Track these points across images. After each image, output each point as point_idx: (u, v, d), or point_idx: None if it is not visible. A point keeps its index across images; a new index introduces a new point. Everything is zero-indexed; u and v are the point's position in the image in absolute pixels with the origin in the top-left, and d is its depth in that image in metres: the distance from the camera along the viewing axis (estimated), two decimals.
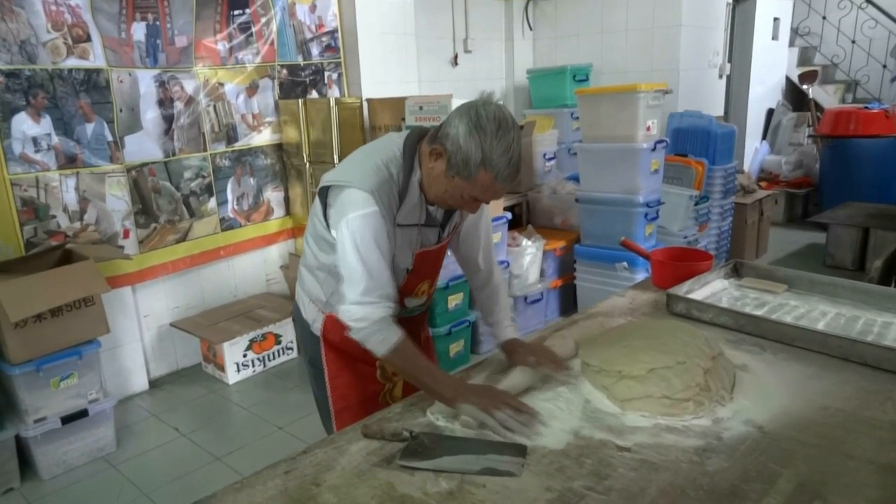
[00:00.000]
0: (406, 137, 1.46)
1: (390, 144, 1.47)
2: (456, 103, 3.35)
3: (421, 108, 3.54)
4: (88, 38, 3.08)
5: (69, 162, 3.09)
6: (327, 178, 1.47)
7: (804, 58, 7.56)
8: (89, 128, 3.14)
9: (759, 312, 1.78)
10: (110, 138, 3.22)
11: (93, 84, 3.12)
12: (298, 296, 1.71)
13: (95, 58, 3.12)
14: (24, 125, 2.93)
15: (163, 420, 3.19)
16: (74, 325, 2.71)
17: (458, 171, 1.33)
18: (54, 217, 3.07)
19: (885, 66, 6.99)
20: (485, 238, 1.69)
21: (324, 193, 1.47)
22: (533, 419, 1.30)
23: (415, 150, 1.44)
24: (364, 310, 1.38)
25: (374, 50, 4.26)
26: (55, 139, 3.03)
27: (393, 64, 4.38)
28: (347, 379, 1.67)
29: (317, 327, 1.65)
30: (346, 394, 1.67)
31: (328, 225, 1.46)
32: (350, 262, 1.38)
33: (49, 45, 2.96)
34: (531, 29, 5.79)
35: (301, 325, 1.71)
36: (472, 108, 1.33)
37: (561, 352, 1.59)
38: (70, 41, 3.02)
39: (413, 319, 1.70)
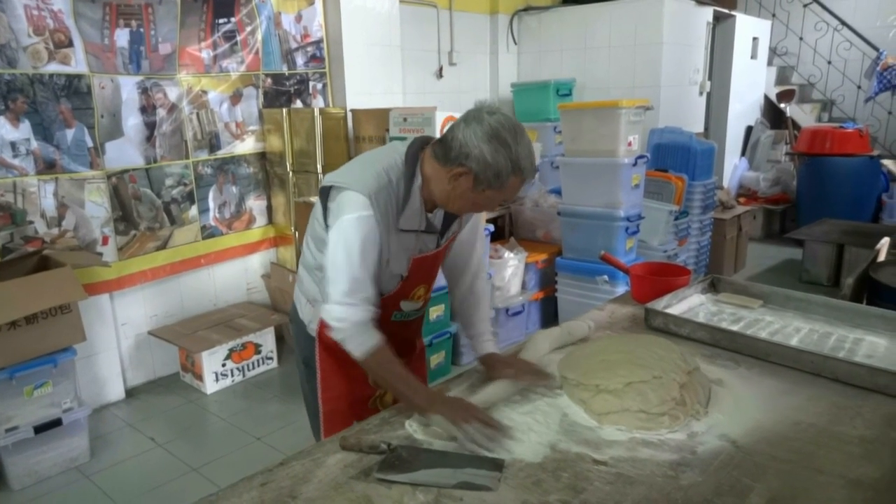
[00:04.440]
0: (409, 146, 1.50)
1: (392, 153, 1.51)
2: (440, 116, 3.39)
3: (405, 119, 3.55)
4: (70, 44, 3.06)
5: (48, 167, 3.05)
6: (329, 179, 1.51)
7: (782, 77, 7.72)
8: (69, 133, 3.11)
9: (734, 328, 1.81)
10: (91, 144, 3.19)
11: (74, 89, 3.10)
12: (296, 296, 1.74)
13: (77, 63, 3.09)
14: (3, 129, 2.90)
15: (139, 430, 3.15)
16: (50, 333, 2.67)
17: (489, 184, 1.39)
18: (31, 223, 3.03)
19: (859, 87, 7.16)
20: (479, 246, 1.74)
21: (325, 193, 1.50)
22: (499, 434, 1.30)
23: (416, 159, 1.48)
24: (346, 311, 1.42)
25: (359, 61, 4.27)
26: (34, 144, 3.00)
27: (378, 75, 4.40)
28: (339, 380, 1.69)
29: (313, 328, 1.67)
30: (336, 395, 1.69)
31: (327, 225, 1.49)
32: (338, 262, 1.41)
33: (30, 50, 2.93)
34: (516, 43, 5.84)
35: (297, 325, 1.74)
36: (483, 125, 1.36)
37: (535, 356, 1.64)
38: (52, 46, 3.00)
39: (409, 325, 1.74)
